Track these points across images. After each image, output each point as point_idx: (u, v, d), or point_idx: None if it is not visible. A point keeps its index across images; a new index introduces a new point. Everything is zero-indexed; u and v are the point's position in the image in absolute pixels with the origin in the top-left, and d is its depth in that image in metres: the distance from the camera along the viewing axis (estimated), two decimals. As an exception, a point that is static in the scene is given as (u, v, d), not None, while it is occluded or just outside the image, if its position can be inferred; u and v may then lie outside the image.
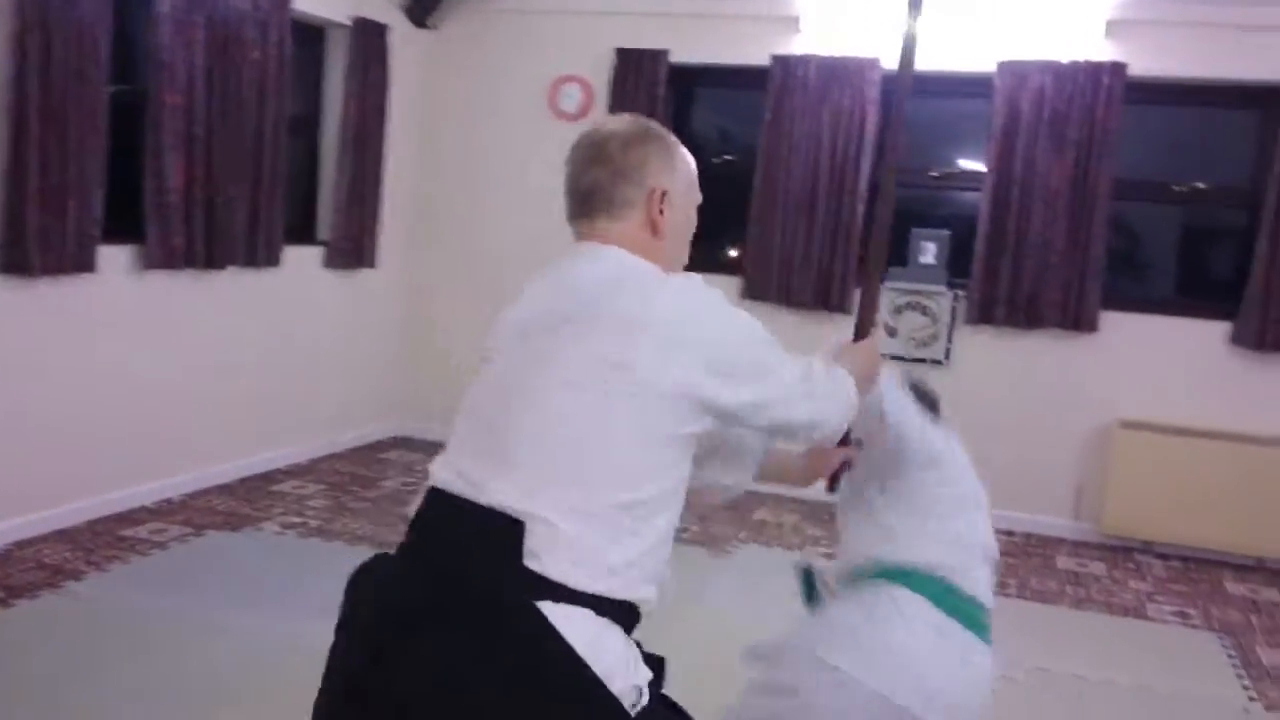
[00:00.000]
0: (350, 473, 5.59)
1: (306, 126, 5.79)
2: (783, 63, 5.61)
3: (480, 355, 1.68)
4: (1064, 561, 5.13)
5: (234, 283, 5.05)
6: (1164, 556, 5.27)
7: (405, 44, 6.03)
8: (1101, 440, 5.36)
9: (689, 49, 5.83)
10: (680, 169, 1.71)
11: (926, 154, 5.81)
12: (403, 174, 6.17)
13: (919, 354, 5.63)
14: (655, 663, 1.57)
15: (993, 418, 5.53)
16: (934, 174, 5.73)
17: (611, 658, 1.43)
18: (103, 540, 4.29)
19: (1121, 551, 5.31)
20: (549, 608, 1.40)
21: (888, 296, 5.62)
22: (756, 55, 5.66)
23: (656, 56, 5.80)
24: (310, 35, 5.69)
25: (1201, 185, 5.33)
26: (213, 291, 4.94)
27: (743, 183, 5.83)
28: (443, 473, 1.57)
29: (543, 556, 1.42)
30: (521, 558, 1.42)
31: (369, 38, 5.71)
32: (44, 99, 3.94)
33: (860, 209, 5.58)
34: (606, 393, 1.48)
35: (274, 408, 5.51)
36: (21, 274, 4.00)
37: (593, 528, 1.45)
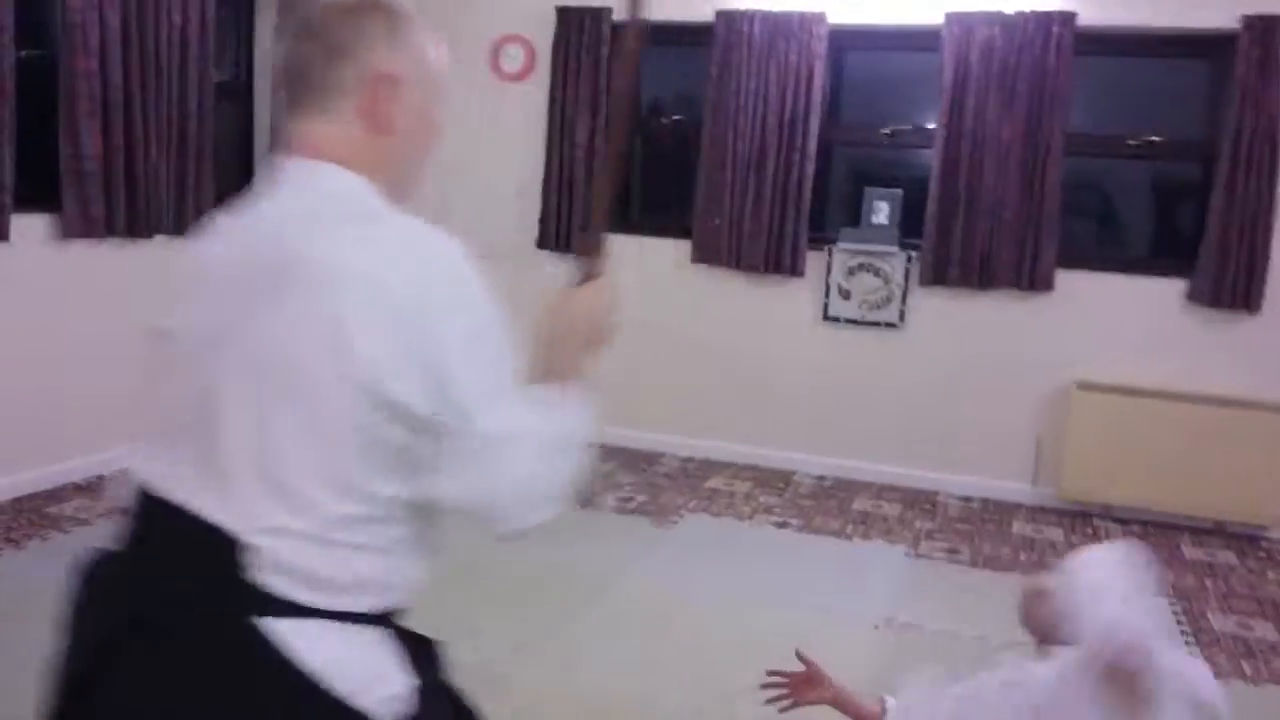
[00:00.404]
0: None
1: (240, 92, 5.62)
2: (727, 18, 5.44)
3: (167, 314, 1.39)
4: (1020, 527, 5.02)
5: (163, 252, 4.90)
6: (1123, 521, 5.16)
7: (342, 5, 5.84)
8: (1059, 402, 5.25)
9: (634, 6, 5.65)
10: (415, 53, 1.37)
11: (878, 110, 5.66)
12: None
13: (872, 317, 5.50)
14: (426, 650, 1.39)
15: (948, 381, 5.41)
16: (886, 131, 5.57)
17: (358, 671, 1.23)
18: (25, 519, 4.17)
19: (1080, 517, 5.21)
20: (275, 624, 1.20)
21: (840, 258, 5.49)
22: (701, 10, 5.49)
23: (599, 15, 5.62)
24: (239, -4, 5.52)
25: (1156, 139, 5.18)
26: (139, 261, 4.79)
27: (691, 144, 5.69)
28: (147, 468, 1.32)
29: (265, 570, 1.21)
30: (241, 571, 1.21)
31: (302, -1, 5.52)
32: (-60, 62, 3.78)
33: (810, 168, 5.43)
34: (309, 380, 1.21)
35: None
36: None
37: (315, 544, 1.22)
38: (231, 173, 5.63)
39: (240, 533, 1.20)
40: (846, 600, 3.94)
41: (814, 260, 5.55)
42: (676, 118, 6.05)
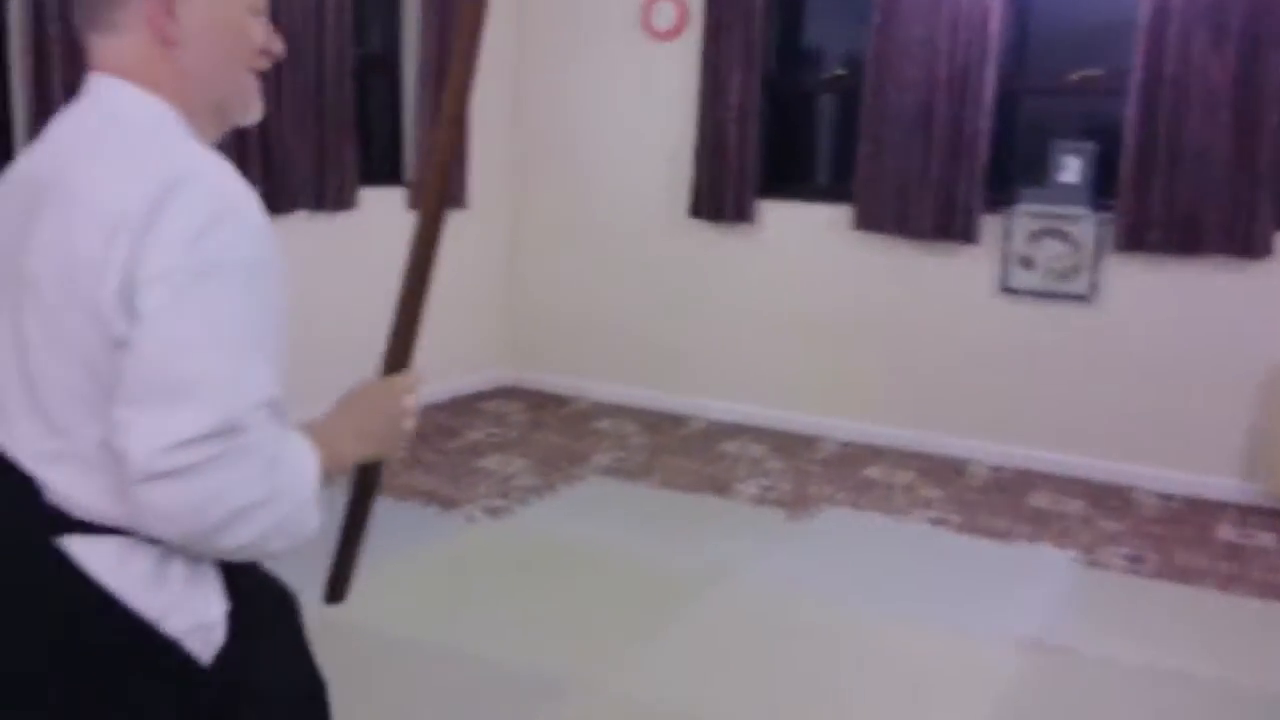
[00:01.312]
0: (438, 424, 5.39)
1: (386, 64, 5.56)
2: (890, -42, 4.93)
3: None
4: (1225, 531, 4.33)
5: (303, 227, 4.90)
6: (1358, 526, 4.38)
7: (490, -30, 5.69)
8: (1275, 386, 4.49)
9: (791, -48, 5.23)
10: None
11: (1066, 55, 5.00)
12: (490, 109, 5.86)
13: (1058, 288, 4.88)
14: (278, 600, 1.34)
15: (1146, 361, 4.75)
16: (1074, 78, 4.91)
17: (162, 595, 1.17)
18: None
19: (1303, 519, 4.46)
20: (70, 543, 1.15)
21: (1021, 222, 4.90)
22: (863, -48, 4.99)
23: (753, -37, 5.22)
24: (384, -33, 5.45)
25: None
26: (278, 236, 4.79)
27: (851, 100, 5.22)
28: None
29: (55, 495, 1.16)
30: (37, 495, 1.16)
31: (448, -35, 5.40)
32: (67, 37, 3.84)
33: (985, 122, 4.86)
34: (52, 302, 1.14)
35: (358, 354, 5.35)
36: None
37: (86, 468, 1.16)
38: (379, 146, 5.61)
39: (21, 458, 1.17)
40: (990, 614, 3.46)
41: (990, 225, 4.98)
42: (839, 72, 5.57)
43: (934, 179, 4.98)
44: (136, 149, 1.18)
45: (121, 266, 1.10)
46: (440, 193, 1.41)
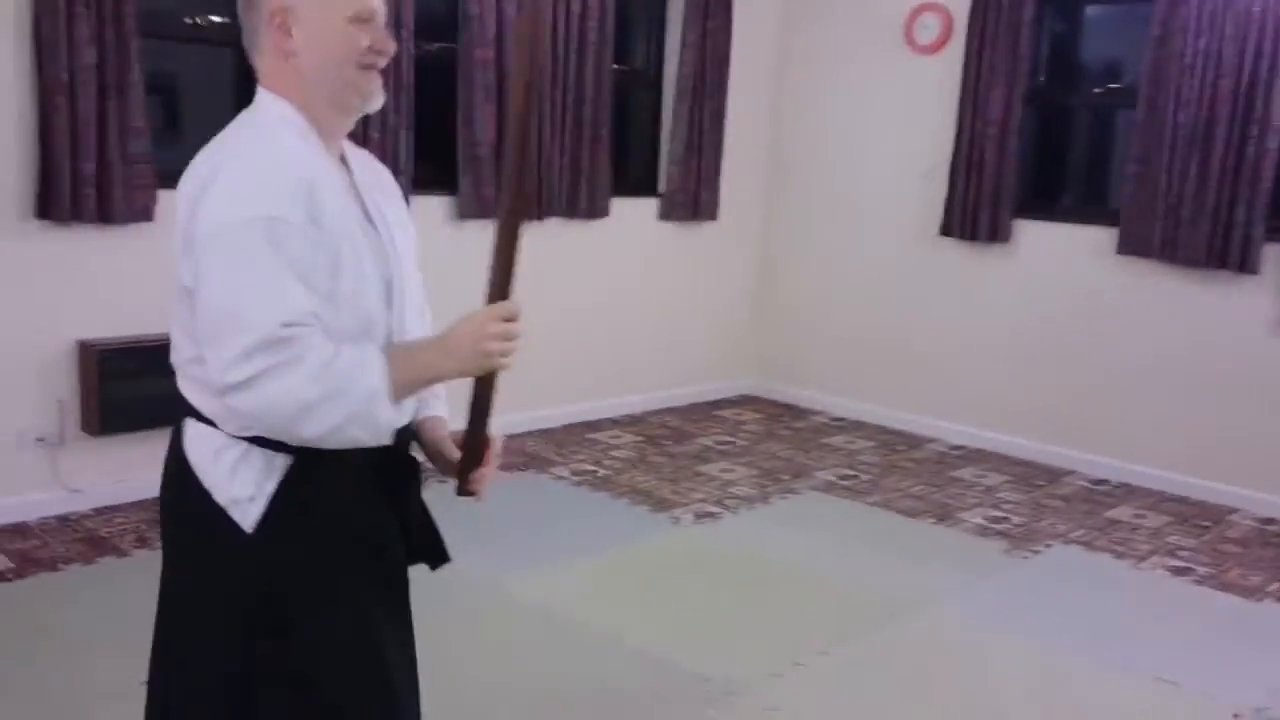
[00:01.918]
0: (675, 428, 5.52)
1: (648, 80, 5.76)
2: (1172, -35, 4.59)
3: None
4: None
5: (557, 235, 5.17)
6: None
7: (753, -15, 5.78)
8: None
9: (1064, -39, 4.98)
10: None
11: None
12: (746, 123, 5.94)
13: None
14: (382, 553, 1.62)
15: None
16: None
17: (216, 474, 1.53)
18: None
19: None
20: (187, 424, 1.58)
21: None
22: (1141, -40, 4.68)
23: (1022, -27, 5.01)
24: (648, -17, 5.66)
25: None
26: (531, 240, 5.06)
27: (1118, 117, 4.90)
28: None
29: (182, 390, 1.58)
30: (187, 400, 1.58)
31: (711, -18, 5.53)
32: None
33: (1274, 142, 4.43)
34: (178, 258, 1.51)
35: (604, 357, 5.58)
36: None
37: (185, 377, 1.57)
38: (638, 158, 5.82)
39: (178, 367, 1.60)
40: (1212, 676, 3.16)
41: (1272, 255, 4.53)
42: (1112, 85, 5.23)
43: (1210, 202, 4.59)
44: (227, 139, 1.53)
45: (184, 230, 1.47)
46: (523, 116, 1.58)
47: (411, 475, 1.68)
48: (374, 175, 1.67)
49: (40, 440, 3.84)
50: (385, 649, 1.61)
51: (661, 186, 5.74)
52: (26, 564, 3.47)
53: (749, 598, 3.56)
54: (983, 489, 4.80)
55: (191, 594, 1.58)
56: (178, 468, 1.57)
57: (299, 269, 1.41)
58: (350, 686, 1.57)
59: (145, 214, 3.87)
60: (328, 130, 1.56)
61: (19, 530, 3.73)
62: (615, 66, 5.25)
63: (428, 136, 4.65)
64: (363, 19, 1.53)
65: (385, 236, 1.58)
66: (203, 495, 1.53)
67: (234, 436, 1.51)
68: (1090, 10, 5.29)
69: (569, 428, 5.42)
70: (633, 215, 5.54)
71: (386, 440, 1.54)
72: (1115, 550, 4.15)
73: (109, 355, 3.83)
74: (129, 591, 3.25)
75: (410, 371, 1.50)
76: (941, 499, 4.63)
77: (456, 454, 1.67)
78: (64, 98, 3.59)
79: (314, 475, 1.52)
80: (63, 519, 3.85)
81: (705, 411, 5.90)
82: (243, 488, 1.52)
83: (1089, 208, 5.17)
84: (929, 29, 5.41)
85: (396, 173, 4.51)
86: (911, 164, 5.54)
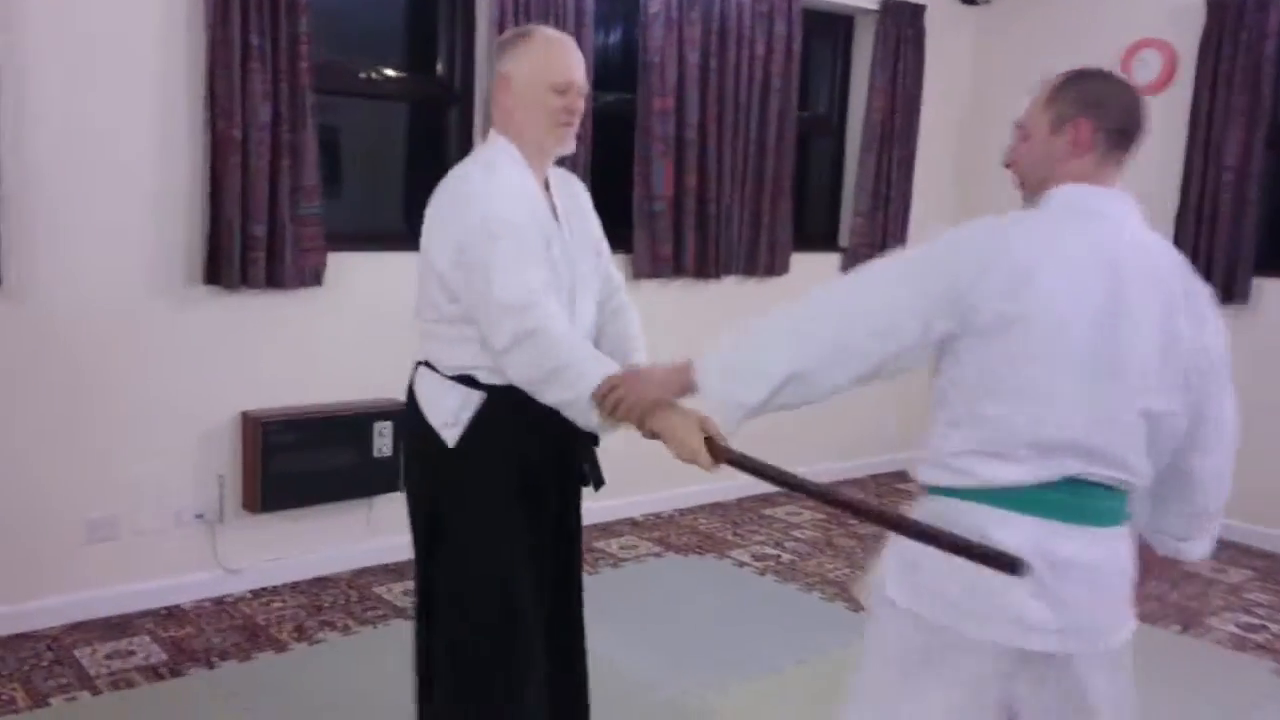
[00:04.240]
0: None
1: (832, 125, 5.36)
2: None
3: None
4: None
5: (732, 293, 4.79)
6: None
7: (945, 25, 5.34)
8: None
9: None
10: (526, 57, 2.06)
11: None
12: (936, 173, 5.47)
13: None
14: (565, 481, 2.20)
15: None
16: None
17: (437, 407, 2.09)
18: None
19: None
20: (420, 369, 2.16)
21: None
22: None
23: (1264, 6, 4.45)
24: (833, 24, 5.26)
25: None
26: (705, 300, 4.71)
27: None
28: None
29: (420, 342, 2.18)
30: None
31: (901, 22, 5.11)
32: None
33: None
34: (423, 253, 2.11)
35: (781, 422, 5.15)
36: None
37: (425, 332, 2.14)
38: (817, 212, 5.42)
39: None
40: None
41: None
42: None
43: None
44: (467, 162, 2.15)
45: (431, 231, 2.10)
46: None
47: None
48: (568, 190, 2.21)
49: (199, 517, 3.61)
50: (516, 584, 2.08)
51: (843, 240, 5.32)
52: (181, 656, 3.22)
53: None
54: (1227, 587, 4.19)
55: (413, 492, 2.19)
56: (410, 397, 2.15)
57: (538, 248, 2.01)
58: (472, 610, 2.08)
59: (315, 278, 3.64)
60: (535, 165, 2.10)
61: (174, 615, 3.50)
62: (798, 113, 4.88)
63: (601, 190, 4.33)
64: (559, 90, 2.04)
65: (565, 232, 2.10)
66: (420, 420, 2.10)
67: (446, 377, 2.07)
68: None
69: (742, 502, 5.01)
70: (813, 272, 5.12)
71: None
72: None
73: (272, 428, 3.59)
74: (287, 694, 2.97)
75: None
76: (1182, 600, 4.04)
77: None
78: (237, 157, 3.38)
79: (500, 411, 2.04)
80: (218, 601, 3.61)
81: (889, 484, 5.41)
82: (447, 414, 2.07)
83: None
84: (1149, 66, 4.87)
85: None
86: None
